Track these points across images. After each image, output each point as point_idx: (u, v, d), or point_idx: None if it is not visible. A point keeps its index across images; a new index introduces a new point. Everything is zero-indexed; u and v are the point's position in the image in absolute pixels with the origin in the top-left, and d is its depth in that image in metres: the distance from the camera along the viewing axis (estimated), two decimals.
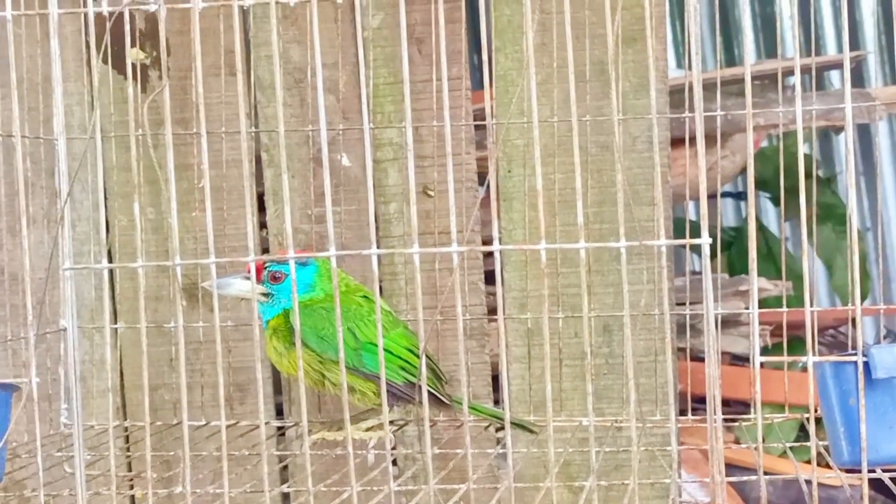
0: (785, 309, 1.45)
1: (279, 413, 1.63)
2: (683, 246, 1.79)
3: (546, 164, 1.54)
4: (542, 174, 1.55)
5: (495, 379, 1.59)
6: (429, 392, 1.37)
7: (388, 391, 1.36)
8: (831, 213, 2.75)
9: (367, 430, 1.39)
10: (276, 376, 1.61)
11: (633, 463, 0.89)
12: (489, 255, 1.65)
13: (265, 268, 1.37)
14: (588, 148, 1.52)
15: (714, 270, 2.61)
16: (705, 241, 0.91)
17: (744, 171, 2.60)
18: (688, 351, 1.89)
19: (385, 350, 1.36)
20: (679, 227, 2.17)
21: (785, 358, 1.05)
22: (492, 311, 1.61)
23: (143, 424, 1.53)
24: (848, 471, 1.03)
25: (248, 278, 1.35)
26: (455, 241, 0.95)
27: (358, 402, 1.40)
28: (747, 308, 2.11)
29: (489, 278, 1.64)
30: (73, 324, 0.96)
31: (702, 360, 1.72)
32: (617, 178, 0.93)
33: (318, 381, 1.39)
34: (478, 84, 2.68)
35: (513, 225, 1.54)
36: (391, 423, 1.42)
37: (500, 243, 1.58)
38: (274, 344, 1.37)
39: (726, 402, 2.19)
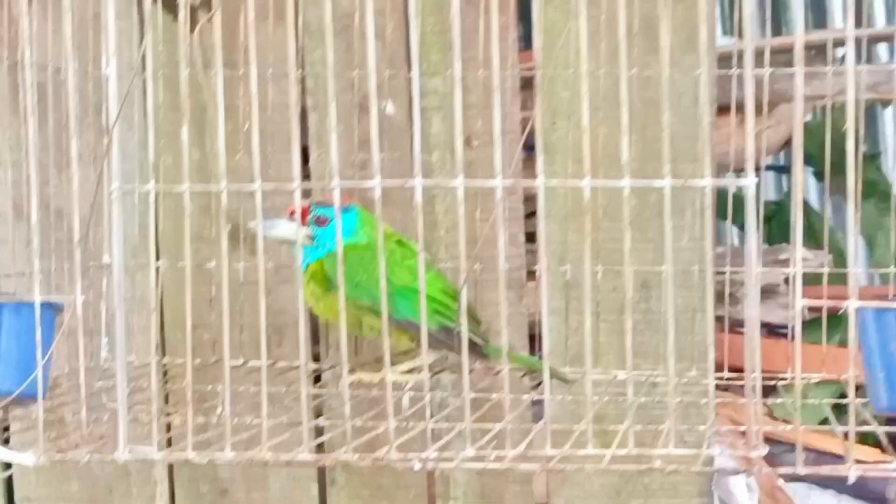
0: (826, 269, 1.45)
1: (315, 360, 1.64)
2: (724, 217, 1.78)
3: (593, 118, 1.53)
4: (590, 128, 1.55)
5: (532, 338, 1.60)
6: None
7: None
8: (874, 190, 2.73)
9: (404, 373, 1.40)
10: (313, 324, 1.62)
11: (668, 399, 0.89)
12: (530, 215, 1.65)
13: (310, 211, 1.37)
14: (633, 103, 1.51)
15: None
16: (751, 181, 0.91)
17: (787, 143, 2.58)
18: (726, 319, 1.88)
19: (418, 293, 1.37)
20: (722, 199, 2.16)
21: (825, 301, 1.04)
22: (531, 270, 1.61)
23: (182, 361, 1.55)
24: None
25: (293, 220, 1.36)
26: (499, 175, 0.95)
27: (394, 345, 1.41)
28: (786, 277, 2.11)
29: (530, 238, 1.63)
30: (119, 244, 0.97)
31: (738, 332, 1.72)
32: (662, 119, 0.93)
33: (355, 324, 1.39)
34: (527, 45, 2.65)
35: (556, 178, 1.54)
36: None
37: (544, 195, 1.58)
38: (311, 288, 1.38)
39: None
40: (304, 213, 1.38)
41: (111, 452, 1.03)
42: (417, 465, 0.96)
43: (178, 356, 1.58)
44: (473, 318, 1.42)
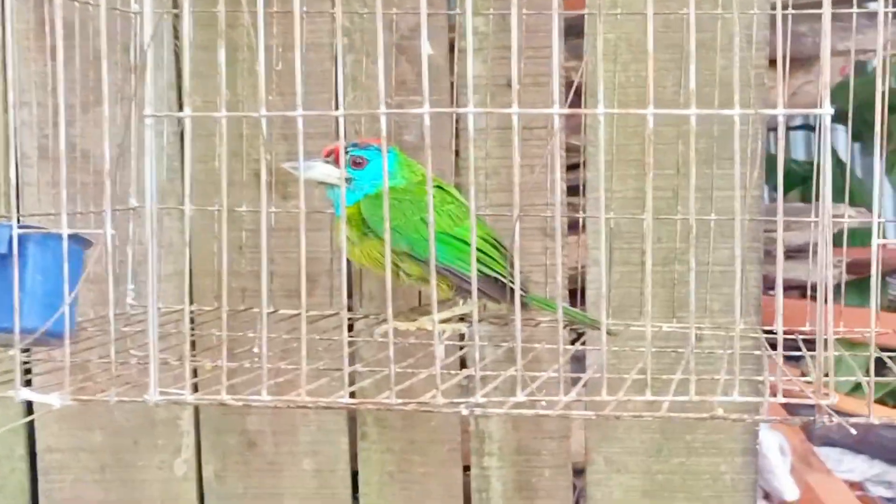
0: (884, 219, 1.39)
1: (348, 310, 1.59)
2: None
3: (638, 61, 1.48)
4: (634, 71, 1.49)
5: (572, 291, 1.54)
6: (506, 286, 1.33)
7: (461, 284, 1.31)
8: None
9: (442, 322, 1.35)
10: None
11: (734, 345, 0.83)
12: (571, 167, 1.60)
13: (347, 152, 1.32)
14: (683, 45, 1.45)
15: (787, 201, 2.51)
16: (827, 111, 0.85)
17: None
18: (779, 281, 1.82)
19: (458, 240, 1.32)
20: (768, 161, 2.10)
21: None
22: (572, 223, 1.55)
23: (210, 309, 1.50)
24: None
25: (328, 162, 1.31)
26: (556, 103, 0.90)
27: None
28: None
29: (571, 190, 1.57)
30: (152, 175, 0.91)
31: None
32: (734, 42, 0.87)
33: (392, 271, 1.34)
34: None
35: (599, 123, 1.48)
36: (462, 319, 1.37)
37: (584, 139, 1.52)
38: (346, 233, 1.33)
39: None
40: (339, 155, 1.32)
41: (140, 396, 0.98)
42: (465, 411, 0.91)
43: (204, 303, 1.53)
44: (509, 264, 1.36)
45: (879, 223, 1.36)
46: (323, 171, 1.30)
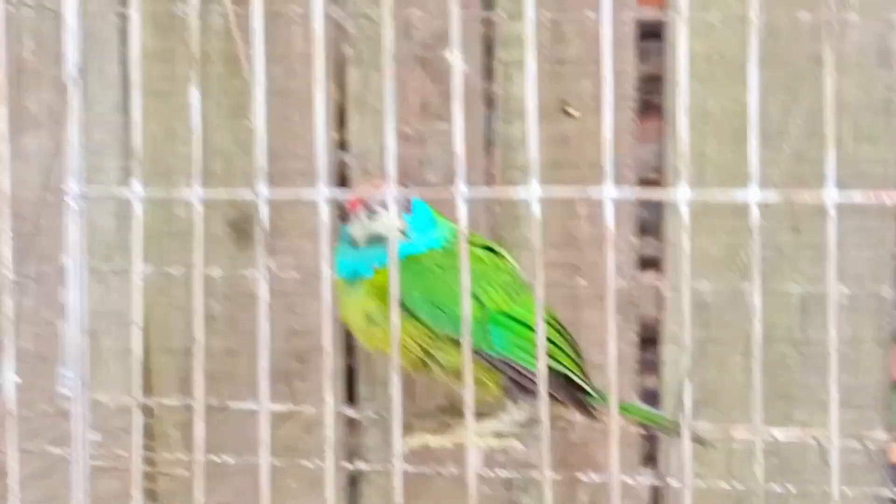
0: None
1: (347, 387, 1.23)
2: None
3: (733, 79, 1.14)
4: (727, 94, 1.15)
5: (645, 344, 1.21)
6: (571, 383, 0.99)
7: (517, 381, 0.98)
8: None
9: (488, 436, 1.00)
10: (346, 339, 1.20)
11: None
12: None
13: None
14: (794, 60, 1.12)
15: None
16: None
17: None
18: None
19: (517, 322, 0.98)
20: None
21: None
22: (646, 265, 1.21)
23: (172, 402, 1.15)
24: None
25: (382, 207, 0.96)
26: (610, 180, 0.58)
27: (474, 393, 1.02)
28: None
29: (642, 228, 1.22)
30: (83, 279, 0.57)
31: None
32: (827, 84, 0.55)
33: (418, 361, 1.00)
34: None
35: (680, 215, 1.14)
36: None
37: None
38: (367, 307, 0.98)
39: None
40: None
41: None
42: None
43: (165, 392, 1.18)
44: (576, 355, 1.02)
45: None
46: (385, 221, 0.96)
